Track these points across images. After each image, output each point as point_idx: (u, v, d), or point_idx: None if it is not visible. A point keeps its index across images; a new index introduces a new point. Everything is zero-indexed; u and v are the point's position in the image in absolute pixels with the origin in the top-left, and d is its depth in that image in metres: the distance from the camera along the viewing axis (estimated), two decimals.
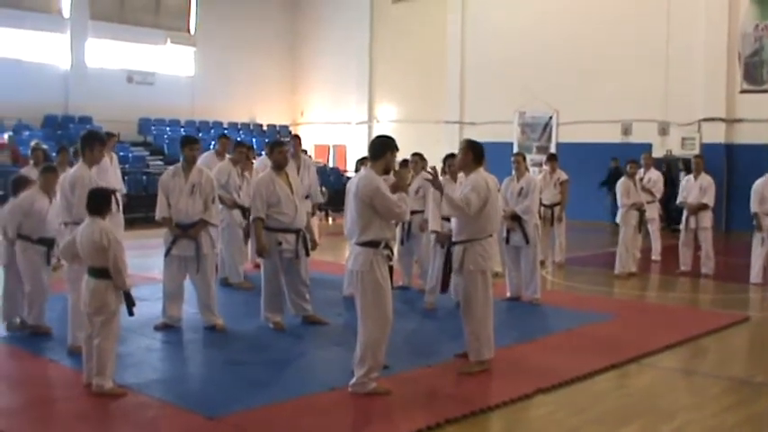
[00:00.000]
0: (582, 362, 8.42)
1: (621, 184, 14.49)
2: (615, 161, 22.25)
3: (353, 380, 7.22)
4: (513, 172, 11.90)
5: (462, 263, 8.09)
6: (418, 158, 12.30)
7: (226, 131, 27.98)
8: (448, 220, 10.61)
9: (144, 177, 23.77)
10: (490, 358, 8.12)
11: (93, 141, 8.67)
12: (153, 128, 28.31)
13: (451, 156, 11.36)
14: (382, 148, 7.40)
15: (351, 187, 7.42)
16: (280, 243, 9.61)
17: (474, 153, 8.27)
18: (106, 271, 7.06)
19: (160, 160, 26.35)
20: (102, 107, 26.49)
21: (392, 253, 7.45)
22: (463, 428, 6.54)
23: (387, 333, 7.32)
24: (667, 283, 14.32)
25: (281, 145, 10.17)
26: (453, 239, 8.28)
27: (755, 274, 13.86)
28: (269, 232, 9.61)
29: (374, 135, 29.96)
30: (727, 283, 14.14)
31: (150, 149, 27.20)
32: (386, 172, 7.44)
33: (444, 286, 8.51)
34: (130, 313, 7.22)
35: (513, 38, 26.17)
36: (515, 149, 24.88)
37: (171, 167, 9.98)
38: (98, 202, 7.30)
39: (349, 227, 7.42)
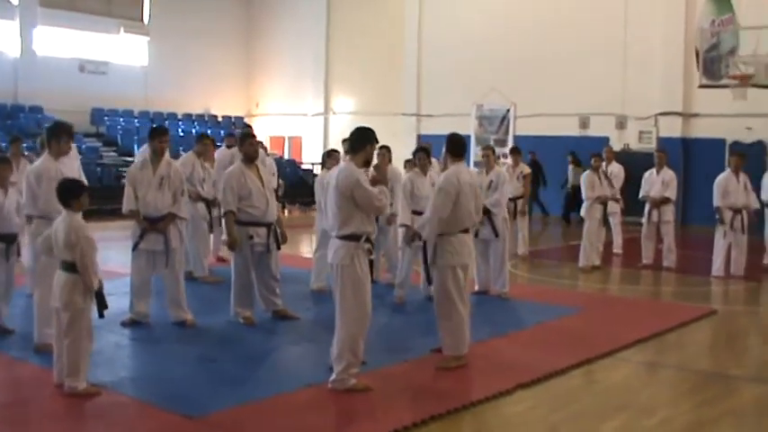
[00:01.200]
0: (557, 356, 8.39)
1: (586, 177, 14.53)
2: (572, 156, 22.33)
3: (333, 376, 7.11)
4: (473, 165, 11.85)
5: (434, 257, 8.03)
6: (385, 151, 12.19)
7: (180, 123, 27.70)
8: (420, 214, 10.56)
9: (98, 169, 23.38)
10: (465, 353, 8.06)
11: (60, 132, 8.45)
12: (106, 118, 27.87)
13: (421, 150, 11.31)
14: (362, 140, 7.29)
15: (330, 180, 7.28)
16: (251, 237, 9.46)
17: (450, 147, 8.23)
18: (74, 265, 6.87)
19: (114, 152, 26.01)
20: (53, 96, 26.06)
21: (373, 247, 7.35)
22: (447, 425, 6.47)
23: (365, 328, 7.23)
24: (631, 276, 14.39)
25: (252, 137, 9.99)
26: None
27: (717, 268, 14.00)
28: (240, 226, 9.46)
29: (330, 127, 30.01)
30: (689, 276, 14.27)
31: (103, 140, 26.80)
32: (366, 164, 7.34)
33: (430, 278, 8.38)
34: (100, 315, 7.02)
35: (471, 30, 26.16)
36: (473, 142, 25.00)
37: (138, 159, 9.76)
38: (67, 193, 7.09)
39: (330, 219, 7.28)
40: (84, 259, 6.83)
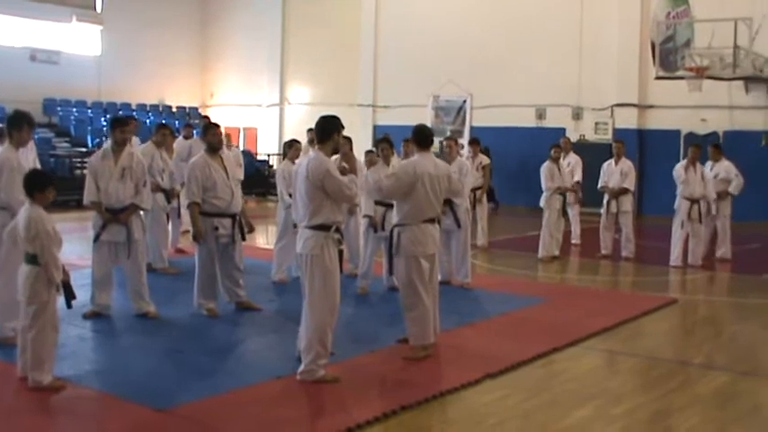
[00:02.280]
0: (523, 346, 8.42)
1: (546, 168, 14.59)
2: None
3: (301, 367, 7.06)
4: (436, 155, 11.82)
5: (398, 247, 8.04)
6: (345, 141, 12.15)
7: (134, 113, 27.36)
8: (383, 205, 10.55)
9: (51, 160, 23.03)
10: (432, 342, 8.05)
11: (21, 122, 8.28)
12: (59, 109, 27.43)
13: (383, 140, 11.28)
14: (329, 129, 7.25)
15: (300, 170, 7.21)
16: (216, 228, 9.38)
17: (415, 138, 8.28)
18: (37, 258, 6.75)
19: (67, 142, 25.63)
20: (3, 87, 25.54)
21: (342, 237, 7.32)
22: (418, 415, 6.46)
23: (335, 319, 7.21)
24: (591, 267, 14.50)
25: (216, 127, 9.89)
26: (393, 223, 8.21)
27: (675, 257, 14.15)
28: (205, 217, 9.37)
29: (286, 118, 29.82)
30: (647, 265, 14.41)
31: (56, 131, 26.39)
32: (335, 152, 7.33)
33: (392, 268, 8.38)
34: (68, 305, 6.91)
35: (428, 21, 26.16)
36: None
37: (100, 150, 9.61)
38: (32, 185, 6.94)
39: (300, 210, 7.22)
40: (44, 252, 6.71)
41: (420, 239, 8.03)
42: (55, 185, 7.08)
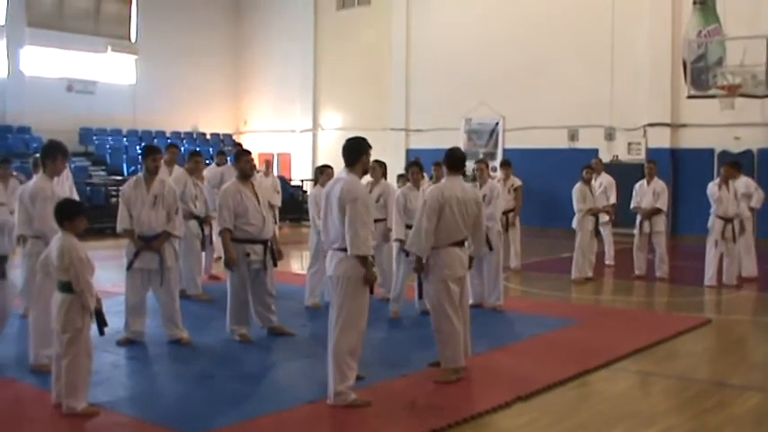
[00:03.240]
0: (555, 368, 8.39)
1: (578, 189, 14.55)
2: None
3: (332, 392, 7.06)
4: (476, 179, 11.83)
5: (427, 272, 8.06)
6: (377, 165, 12.23)
7: (169, 141, 27.63)
8: (410, 227, 10.56)
9: (87, 188, 23.31)
10: (463, 365, 8.05)
11: (55, 152, 8.43)
12: (95, 138, 27.78)
13: (414, 164, 11.32)
14: (357, 150, 7.29)
15: (332, 192, 7.21)
16: (248, 254, 9.44)
17: (447, 161, 8.29)
18: (71, 285, 6.83)
19: (102, 170, 25.93)
20: (41, 117, 25.98)
21: (374, 260, 7.35)
22: None
23: (361, 342, 7.23)
24: (624, 288, 14.43)
25: (247, 154, 9.98)
26: None
27: (710, 277, 14.04)
28: (236, 243, 9.44)
29: (319, 143, 29.96)
30: (682, 286, 14.30)
31: (92, 160, 26.72)
32: (364, 173, 7.38)
33: (422, 293, 8.40)
34: (101, 332, 6.99)
35: (459, 45, 26.22)
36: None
37: (132, 178, 9.73)
38: (61, 214, 7.05)
39: (331, 233, 7.24)
40: (78, 279, 6.80)
41: (448, 263, 8.04)
42: (85, 214, 7.17)
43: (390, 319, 10.88)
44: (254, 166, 10.05)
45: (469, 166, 11.97)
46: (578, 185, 14.61)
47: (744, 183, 14.95)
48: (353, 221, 7.00)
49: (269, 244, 9.66)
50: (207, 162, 15.79)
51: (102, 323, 6.94)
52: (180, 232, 9.76)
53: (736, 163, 15.48)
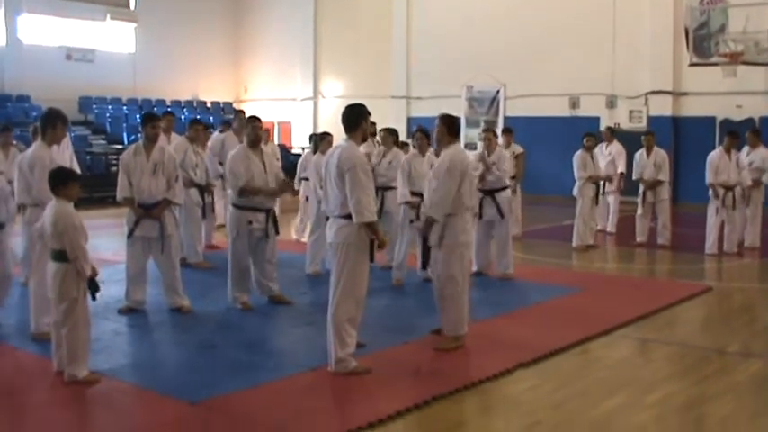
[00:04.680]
0: (557, 335, 8.40)
1: (579, 157, 14.51)
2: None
3: (334, 359, 7.07)
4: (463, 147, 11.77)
5: (442, 237, 8.01)
6: (387, 133, 12.23)
7: (169, 109, 27.53)
8: (419, 195, 10.54)
9: (88, 157, 23.25)
10: (464, 333, 8.06)
11: (55, 120, 8.39)
12: (94, 106, 27.65)
13: (419, 131, 11.25)
14: (357, 117, 7.24)
15: (331, 159, 7.18)
16: (250, 222, 9.41)
17: (448, 126, 8.19)
18: (65, 254, 6.81)
19: (102, 139, 25.85)
20: (40, 85, 25.84)
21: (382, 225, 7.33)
22: (449, 405, 6.47)
23: (361, 309, 7.22)
24: (626, 255, 14.44)
25: (256, 120, 9.91)
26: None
27: (710, 245, 14.02)
28: (240, 211, 9.43)
29: (320, 112, 29.82)
30: (683, 253, 14.31)
31: (92, 129, 26.62)
32: (363, 140, 7.35)
33: (426, 262, 8.37)
34: (93, 298, 6.98)
35: (460, 12, 26.06)
36: (463, 124, 24.96)
37: (131, 146, 9.68)
38: (55, 181, 7.02)
39: (331, 201, 7.23)
40: (73, 246, 6.77)
41: (465, 229, 8.07)
42: (78, 181, 7.14)
43: (392, 287, 10.87)
44: (262, 133, 9.95)
45: (474, 133, 11.96)
46: (579, 153, 14.56)
47: (761, 155, 14.77)
48: (355, 189, 6.97)
49: (272, 212, 9.64)
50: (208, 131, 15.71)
51: (94, 289, 6.91)
52: (180, 200, 9.74)
53: (757, 131, 15.45)
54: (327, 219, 7.41)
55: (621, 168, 16.27)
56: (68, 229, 6.77)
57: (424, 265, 8.27)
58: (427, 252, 8.24)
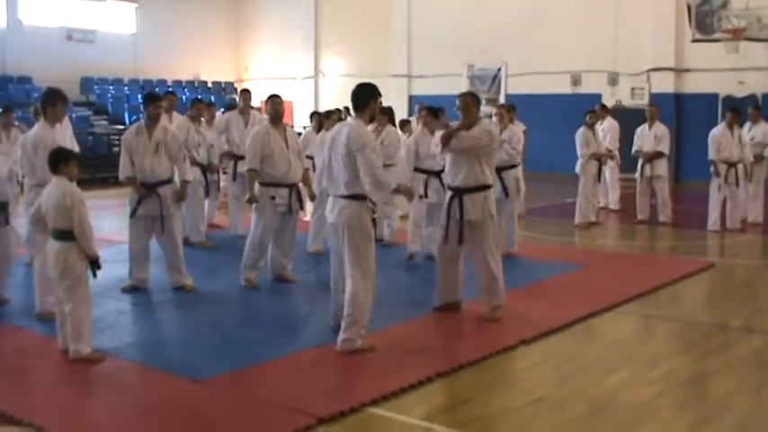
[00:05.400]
0: (560, 312, 8.42)
1: (581, 134, 14.48)
2: None
3: (342, 337, 7.05)
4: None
5: (485, 211, 8.11)
6: (380, 112, 12.16)
7: (170, 89, 27.49)
8: (424, 172, 10.54)
9: (89, 138, 23.25)
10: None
11: (55, 98, 8.39)
12: (96, 87, 27.60)
13: (427, 108, 11.21)
14: (366, 97, 7.21)
15: (338, 137, 7.13)
16: (273, 197, 9.38)
17: (477, 102, 8.37)
18: (69, 233, 6.83)
19: (104, 120, 25.84)
20: (41, 66, 25.76)
21: (375, 206, 7.33)
22: (453, 381, 6.50)
23: (373, 287, 7.20)
24: (628, 232, 14.46)
25: (277, 97, 9.85)
26: (462, 188, 8.16)
27: (713, 222, 14.02)
28: (262, 187, 9.44)
29: (321, 90, 29.70)
30: (685, 230, 14.31)
31: (94, 109, 26.60)
32: (371, 121, 7.31)
33: (461, 238, 8.29)
34: (94, 275, 7.00)
35: None
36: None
37: (133, 126, 9.68)
38: (56, 160, 7.04)
39: (333, 179, 7.20)
40: (82, 222, 6.80)
41: (494, 202, 8.31)
42: (78, 161, 7.15)
43: (394, 263, 10.84)
44: (283, 109, 9.87)
45: (485, 110, 11.97)
46: (582, 130, 14.53)
47: (762, 130, 14.77)
48: (370, 169, 6.97)
49: (295, 188, 9.60)
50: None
51: (95, 266, 6.94)
52: (190, 177, 9.87)
53: (758, 107, 15.43)
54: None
55: (609, 143, 16.18)
56: (77, 204, 6.81)
57: (461, 241, 8.23)
58: (462, 227, 8.21)
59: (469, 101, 8.23)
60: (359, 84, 7.36)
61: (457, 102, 8.29)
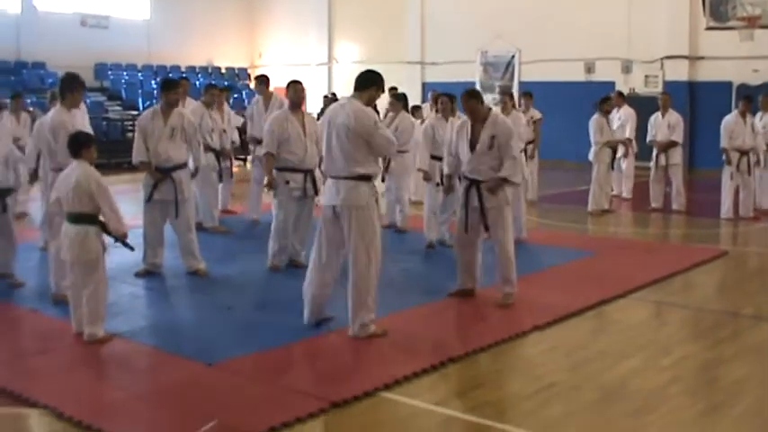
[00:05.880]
0: (572, 298, 8.42)
1: (595, 121, 14.45)
2: None
3: (356, 323, 7.06)
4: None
5: (499, 198, 8.16)
6: (395, 98, 12.25)
7: (184, 75, 27.53)
8: (438, 159, 10.54)
9: (104, 123, 23.32)
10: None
11: (74, 83, 8.49)
12: (110, 73, 27.65)
13: (444, 95, 11.23)
14: (370, 81, 7.17)
15: (338, 119, 7.02)
16: (287, 182, 9.40)
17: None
18: (87, 216, 6.88)
19: (118, 105, 25.90)
20: (55, 52, 25.81)
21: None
22: (465, 367, 6.53)
23: (378, 271, 7.18)
24: (641, 220, 14.44)
25: (298, 83, 9.89)
26: (481, 178, 8.18)
27: (726, 210, 13.98)
28: (278, 171, 9.45)
29: (334, 77, 29.63)
30: (698, 218, 14.27)
31: (107, 95, 26.66)
32: (367, 104, 7.20)
33: (473, 226, 8.32)
34: (132, 249, 7.41)
35: None
36: (478, 89, 24.86)
37: (148, 110, 9.72)
38: (78, 144, 7.10)
39: (333, 159, 7.08)
40: (111, 203, 6.95)
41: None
42: (96, 145, 7.27)
43: (409, 250, 10.91)
44: (304, 95, 9.92)
45: (489, 99, 11.98)
46: (596, 117, 14.49)
47: None
48: (386, 146, 7.09)
49: (311, 173, 9.58)
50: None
51: (127, 246, 7.15)
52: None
53: (750, 96, 15.36)
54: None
55: (629, 134, 16.15)
56: (103, 188, 6.96)
57: (487, 228, 8.25)
58: (481, 215, 8.23)
59: (471, 102, 8.22)
60: (367, 69, 7.38)
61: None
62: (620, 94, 17.47)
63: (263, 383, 6.06)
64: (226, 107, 13.39)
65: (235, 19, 32.00)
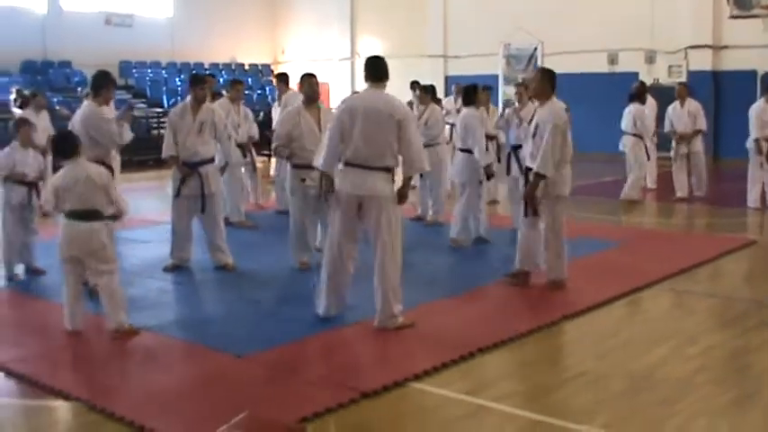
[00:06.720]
0: (600, 288, 8.43)
1: (637, 110, 14.47)
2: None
3: (383, 315, 7.09)
4: (501, 105, 11.83)
5: (548, 189, 8.33)
6: (423, 92, 12.29)
7: (207, 72, 27.63)
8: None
9: None
10: (566, 278, 8.59)
11: (108, 81, 8.79)
12: (134, 71, 27.82)
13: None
14: (386, 72, 7.22)
15: (377, 106, 6.97)
16: (303, 180, 9.31)
17: (549, 80, 8.41)
18: (95, 212, 6.96)
19: (143, 103, 26.02)
20: (80, 51, 25.99)
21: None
22: (495, 357, 6.56)
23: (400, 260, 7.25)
24: (666, 210, 14.39)
25: (312, 77, 9.80)
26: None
27: (753, 199, 13.89)
28: (294, 170, 9.38)
29: (357, 72, 29.59)
30: (725, 207, 14.20)
31: (132, 93, 26.80)
32: None
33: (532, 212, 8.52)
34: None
35: None
36: (501, 82, 24.90)
37: (178, 105, 9.81)
38: (74, 144, 7.26)
39: (360, 149, 7.02)
40: (118, 197, 7.18)
41: (566, 182, 8.62)
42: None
43: (438, 244, 10.89)
44: (318, 90, 9.80)
45: (512, 91, 11.99)
46: (636, 106, 14.55)
47: None
48: (416, 138, 7.11)
49: None
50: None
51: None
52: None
53: None
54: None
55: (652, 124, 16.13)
56: (109, 176, 7.22)
57: (535, 214, 8.38)
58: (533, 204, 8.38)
59: (538, 79, 8.48)
60: (378, 57, 7.36)
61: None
62: (643, 84, 17.31)
63: (292, 375, 6.10)
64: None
65: (257, 15, 32.07)
